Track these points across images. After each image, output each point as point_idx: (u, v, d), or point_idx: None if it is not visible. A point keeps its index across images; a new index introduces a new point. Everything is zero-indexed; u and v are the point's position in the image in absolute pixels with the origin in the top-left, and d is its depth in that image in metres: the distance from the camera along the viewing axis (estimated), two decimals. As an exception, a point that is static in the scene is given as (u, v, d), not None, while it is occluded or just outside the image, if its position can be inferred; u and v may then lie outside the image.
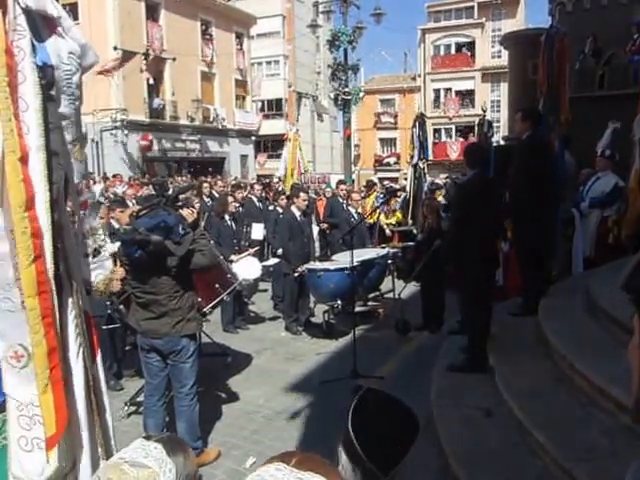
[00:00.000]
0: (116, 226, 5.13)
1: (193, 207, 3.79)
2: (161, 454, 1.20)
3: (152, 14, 22.43)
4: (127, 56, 18.66)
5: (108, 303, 4.62)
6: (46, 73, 1.87)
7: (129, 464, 1.16)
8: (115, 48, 19.21)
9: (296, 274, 6.56)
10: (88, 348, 2.21)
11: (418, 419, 1.24)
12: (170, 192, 3.84)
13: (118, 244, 3.82)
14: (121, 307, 4.60)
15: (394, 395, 1.28)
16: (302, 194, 7.02)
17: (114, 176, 15.91)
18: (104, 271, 2.44)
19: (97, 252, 2.35)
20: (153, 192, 10.62)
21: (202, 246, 3.56)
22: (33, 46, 1.84)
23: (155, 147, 22.37)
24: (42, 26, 1.89)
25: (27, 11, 1.81)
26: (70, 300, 2.12)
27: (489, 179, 5.30)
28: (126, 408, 4.52)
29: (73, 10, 19.58)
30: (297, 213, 6.83)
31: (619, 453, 2.82)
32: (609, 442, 2.95)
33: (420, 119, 9.73)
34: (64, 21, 1.97)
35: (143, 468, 1.15)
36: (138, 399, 4.55)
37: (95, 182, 14.36)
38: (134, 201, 9.70)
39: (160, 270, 3.47)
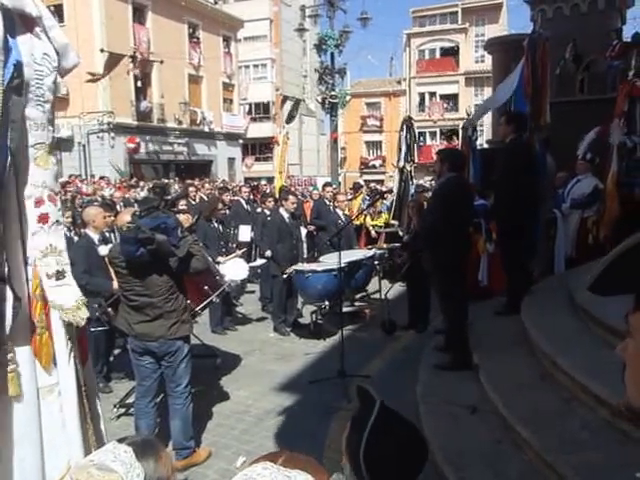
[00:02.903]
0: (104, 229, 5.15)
1: (188, 213, 3.84)
2: (130, 458, 1.18)
3: (139, 16, 22.33)
4: (115, 59, 18.55)
5: (96, 305, 4.62)
6: (17, 69, 1.84)
7: (97, 467, 1.15)
8: (102, 50, 19.11)
9: (285, 276, 6.61)
10: (78, 353, 2.19)
11: (428, 445, 1.27)
12: (169, 197, 3.88)
13: (109, 246, 3.84)
14: (109, 310, 4.61)
15: (408, 418, 1.31)
16: (291, 197, 7.07)
17: (101, 178, 15.85)
18: (72, 295, 2.14)
19: (61, 275, 2.09)
20: (147, 194, 10.60)
21: (196, 251, 3.62)
22: (5, 41, 1.80)
23: (142, 150, 22.26)
24: (19, 24, 1.87)
25: (4, 9, 1.79)
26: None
27: (465, 182, 5.41)
28: (115, 410, 4.53)
29: (58, 12, 19.43)
30: (285, 215, 6.88)
31: (600, 446, 2.90)
32: (590, 435, 3.03)
33: (408, 122, 9.83)
34: (46, 20, 1.94)
35: (109, 472, 1.14)
36: (127, 401, 4.57)
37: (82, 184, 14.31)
38: (122, 203, 9.71)
39: (159, 271, 3.48)
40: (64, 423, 2.10)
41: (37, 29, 1.92)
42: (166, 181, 17.05)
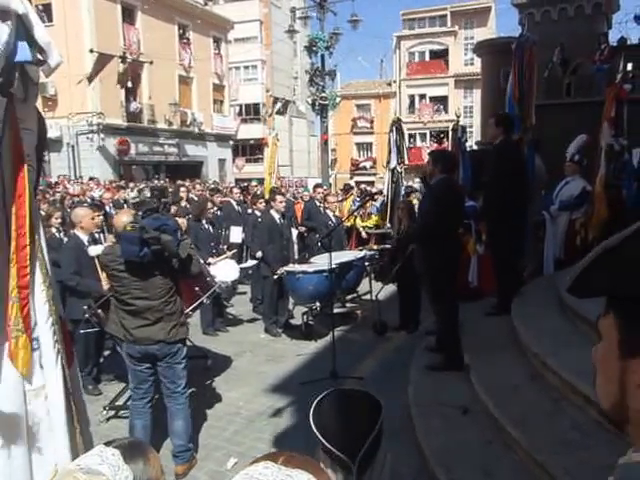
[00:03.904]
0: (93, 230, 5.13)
1: (179, 216, 3.83)
2: (118, 461, 1.15)
3: (129, 17, 22.22)
4: (104, 59, 18.43)
5: (86, 307, 4.59)
6: None
7: (83, 471, 1.12)
8: (91, 51, 18.99)
9: (275, 277, 6.60)
10: (64, 355, 2.17)
11: (380, 401, 1.28)
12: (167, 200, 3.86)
13: (99, 247, 3.81)
14: (99, 311, 4.57)
15: (354, 388, 1.33)
16: (278, 196, 7.06)
17: (90, 179, 15.74)
18: None
19: None
20: (137, 195, 10.53)
21: (192, 254, 3.60)
22: None
23: (132, 151, 22.13)
24: None
25: None
26: (47, 307, 2.09)
27: (455, 183, 5.44)
28: (105, 412, 4.49)
29: (47, 11, 19.27)
30: (276, 216, 6.87)
31: (590, 446, 2.92)
32: (580, 435, 3.06)
33: (397, 124, 9.88)
34: (31, 16, 1.93)
35: (96, 475, 1.11)
36: (117, 403, 4.55)
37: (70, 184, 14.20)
38: (111, 204, 9.63)
39: (161, 272, 3.44)
40: (51, 426, 2.08)
41: (9, 22, 1.89)
42: (159, 183, 16.96)
